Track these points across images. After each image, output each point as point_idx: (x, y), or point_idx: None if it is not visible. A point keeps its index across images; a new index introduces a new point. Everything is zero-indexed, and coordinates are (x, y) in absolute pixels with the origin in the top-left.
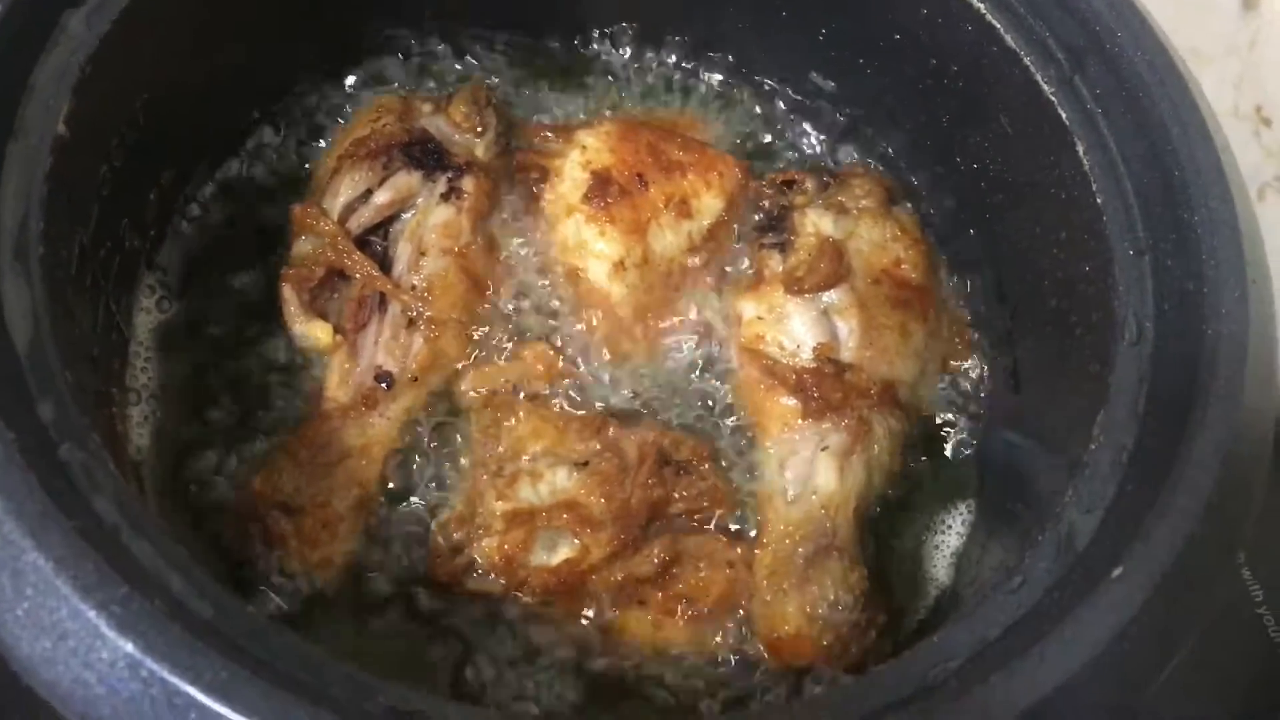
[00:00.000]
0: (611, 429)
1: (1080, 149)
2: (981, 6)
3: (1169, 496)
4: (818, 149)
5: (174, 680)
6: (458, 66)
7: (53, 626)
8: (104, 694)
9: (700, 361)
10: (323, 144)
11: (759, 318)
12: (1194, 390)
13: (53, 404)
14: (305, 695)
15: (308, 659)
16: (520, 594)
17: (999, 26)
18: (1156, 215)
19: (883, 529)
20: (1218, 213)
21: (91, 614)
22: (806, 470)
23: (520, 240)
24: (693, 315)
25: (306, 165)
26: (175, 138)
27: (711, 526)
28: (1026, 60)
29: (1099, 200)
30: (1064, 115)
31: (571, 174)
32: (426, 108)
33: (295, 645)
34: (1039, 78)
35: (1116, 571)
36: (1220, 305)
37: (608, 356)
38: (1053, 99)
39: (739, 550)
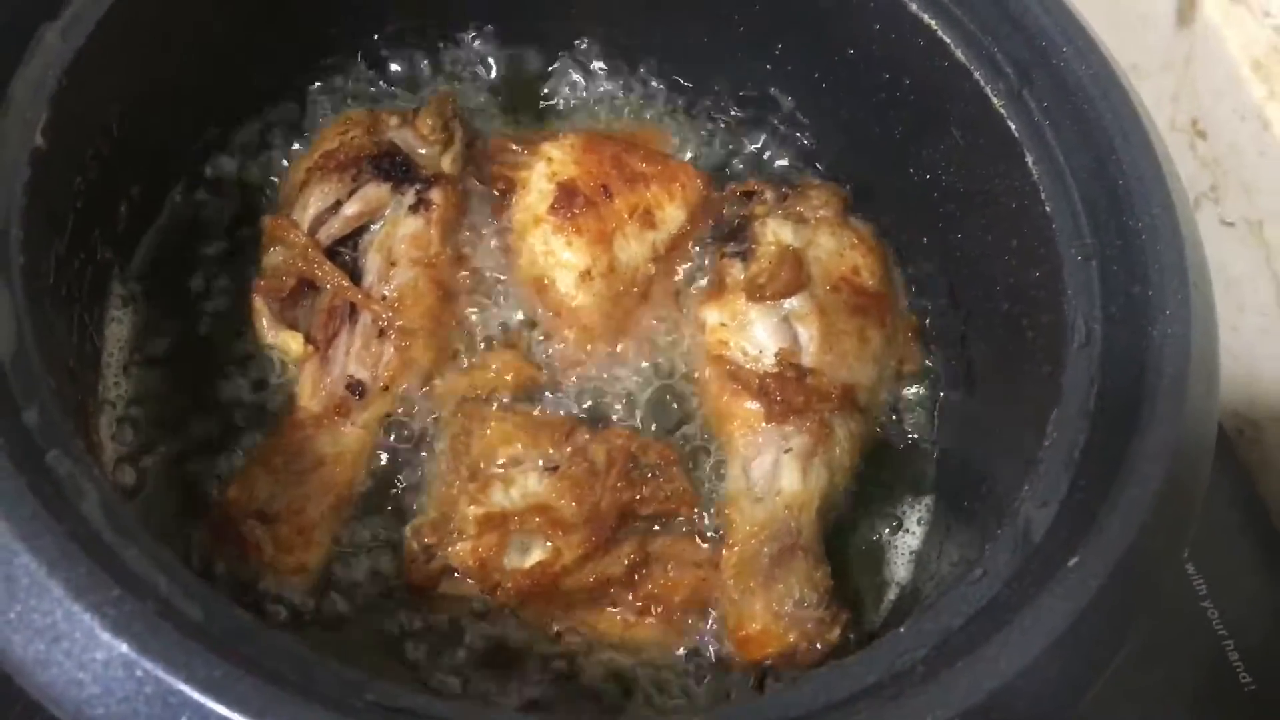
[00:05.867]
0: (581, 434)
1: (1029, 159)
2: (932, 23)
3: (1120, 490)
4: (776, 160)
5: (168, 679)
6: (422, 81)
7: (47, 629)
8: (99, 694)
9: (666, 367)
10: (292, 157)
11: (722, 324)
12: (1141, 389)
13: (38, 411)
14: (295, 691)
15: (296, 657)
16: (494, 597)
17: (949, 41)
18: (1102, 222)
19: (844, 529)
20: (1160, 219)
21: (85, 616)
22: (771, 472)
23: (488, 250)
24: (658, 322)
25: (275, 178)
26: (147, 149)
27: (680, 528)
28: (976, 74)
29: (1048, 208)
30: (1013, 127)
31: (538, 185)
32: (394, 120)
33: (283, 644)
34: (988, 91)
35: (1072, 561)
36: (1164, 307)
37: (576, 363)
38: (1002, 111)
39: (706, 551)
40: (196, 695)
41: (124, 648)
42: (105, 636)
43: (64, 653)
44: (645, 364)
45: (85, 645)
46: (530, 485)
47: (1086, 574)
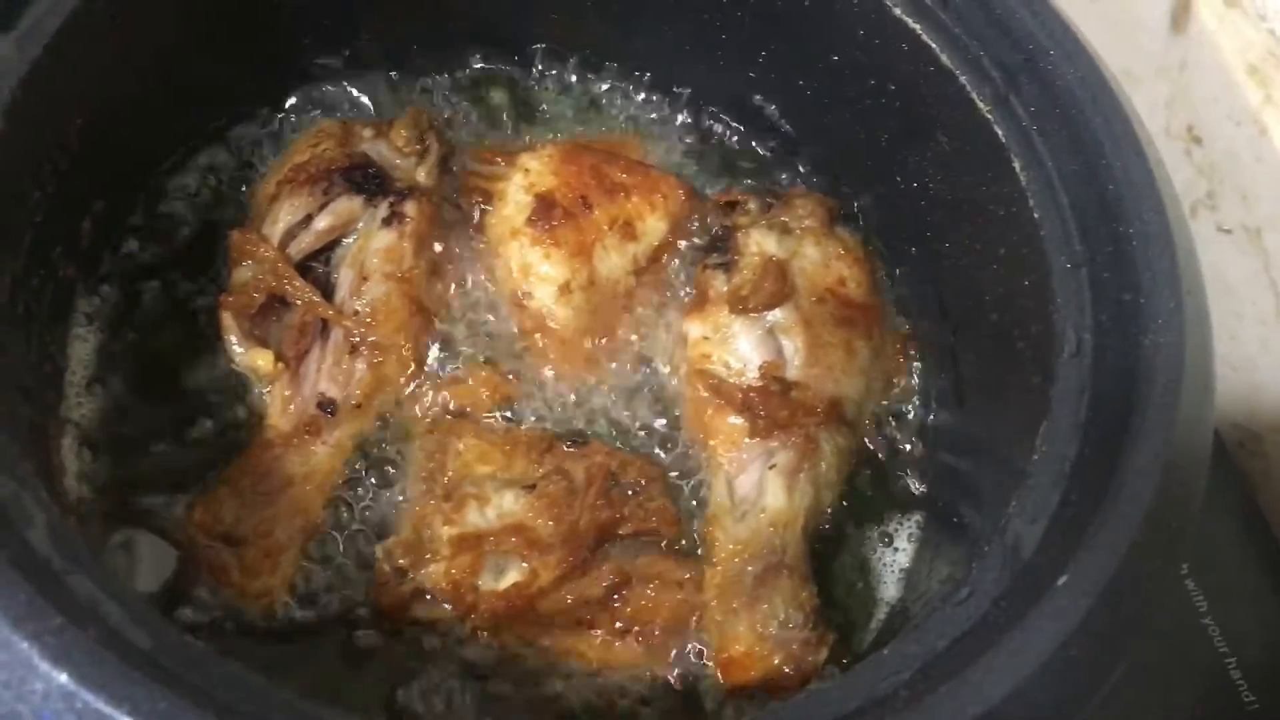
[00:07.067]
0: (559, 451)
1: (1017, 165)
2: (916, 27)
3: (1111, 505)
4: (760, 170)
5: (110, 711)
6: (396, 92)
7: None
8: None
9: (647, 382)
10: (261, 170)
11: (705, 338)
12: (1133, 400)
13: None
14: None
15: (249, 687)
16: (469, 620)
17: (934, 46)
18: (1092, 229)
19: (831, 547)
20: (1151, 225)
21: (23, 645)
22: (755, 489)
23: (464, 264)
24: (639, 336)
25: (245, 191)
26: (109, 164)
27: (661, 547)
28: (962, 79)
29: (1036, 215)
30: (1000, 133)
31: (515, 197)
32: (367, 132)
33: (236, 674)
34: (975, 96)
35: (1061, 580)
36: (1157, 316)
37: (554, 379)
38: (989, 117)
39: (688, 570)
40: None
41: (63, 678)
42: (44, 667)
43: (1, 684)
44: (625, 379)
45: (24, 676)
46: (506, 504)
47: (1077, 593)
